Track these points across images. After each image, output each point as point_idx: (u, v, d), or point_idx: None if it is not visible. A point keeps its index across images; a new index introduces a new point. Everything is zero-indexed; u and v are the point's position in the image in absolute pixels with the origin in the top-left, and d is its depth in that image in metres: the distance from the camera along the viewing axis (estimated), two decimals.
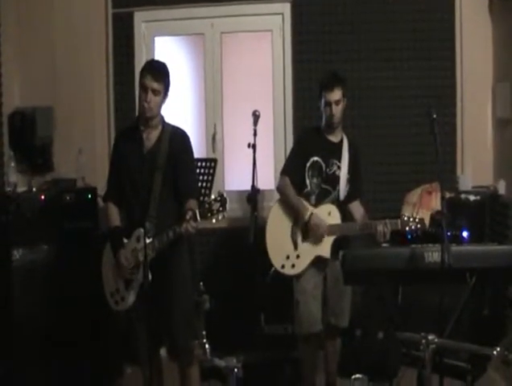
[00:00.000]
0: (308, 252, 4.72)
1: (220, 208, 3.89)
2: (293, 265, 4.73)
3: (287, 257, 4.73)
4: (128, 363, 5.32)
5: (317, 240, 4.69)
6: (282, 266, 4.75)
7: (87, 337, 5.04)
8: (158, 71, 4.22)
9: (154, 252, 4.05)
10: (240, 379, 3.46)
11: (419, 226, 4.52)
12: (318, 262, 4.73)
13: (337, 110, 4.72)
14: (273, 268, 4.81)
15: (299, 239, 4.75)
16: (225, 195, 3.92)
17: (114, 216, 4.40)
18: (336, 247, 4.66)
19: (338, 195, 4.81)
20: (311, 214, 4.69)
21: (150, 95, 4.13)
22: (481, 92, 5.86)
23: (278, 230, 4.81)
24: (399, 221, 4.53)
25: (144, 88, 4.14)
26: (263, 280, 4.86)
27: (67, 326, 4.92)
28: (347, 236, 4.80)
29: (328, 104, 4.70)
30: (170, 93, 4.27)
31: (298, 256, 4.73)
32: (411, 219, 4.52)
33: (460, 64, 5.91)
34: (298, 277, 4.75)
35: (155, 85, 4.14)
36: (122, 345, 4.58)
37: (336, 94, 4.69)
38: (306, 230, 4.72)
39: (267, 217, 4.90)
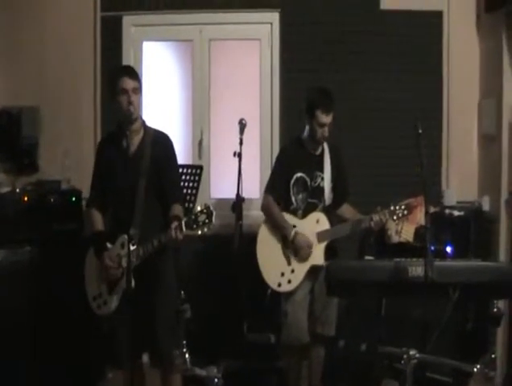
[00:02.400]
0: (302, 263, 4.74)
1: (206, 220, 3.90)
2: (289, 281, 4.74)
3: (282, 274, 4.74)
4: (110, 367, 5.29)
5: (304, 259, 4.71)
6: (279, 285, 4.75)
7: (69, 340, 5.01)
8: (132, 71, 4.33)
9: (138, 259, 4.05)
10: None
11: (405, 212, 4.62)
12: (311, 271, 4.74)
13: (327, 132, 4.77)
14: (269, 290, 4.82)
15: (291, 253, 4.75)
16: (211, 207, 3.92)
17: (98, 222, 4.40)
18: (327, 252, 4.72)
19: (324, 204, 4.83)
20: (295, 234, 4.71)
21: (132, 95, 4.17)
22: (468, 108, 5.90)
23: (268, 250, 4.81)
24: (387, 211, 4.62)
25: (125, 92, 4.17)
26: (262, 304, 4.86)
27: (49, 329, 4.89)
28: (335, 248, 4.86)
29: (322, 125, 4.73)
30: (144, 91, 4.40)
31: (293, 271, 4.74)
32: (397, 208, 4.62)
33: (446, 79, 5.93)
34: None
35: (134, 84, 4.21)
36: (104, 349, 4.55)
37: (330, 117, 4.74)
38: (295, 246, 4.74)
39: (256, 227, 4.91)
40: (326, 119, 4.71)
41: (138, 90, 4.22)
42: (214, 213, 3.92)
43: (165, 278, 4.29)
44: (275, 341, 5.04)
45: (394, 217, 4.65)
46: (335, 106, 4.76)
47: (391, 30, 5.98)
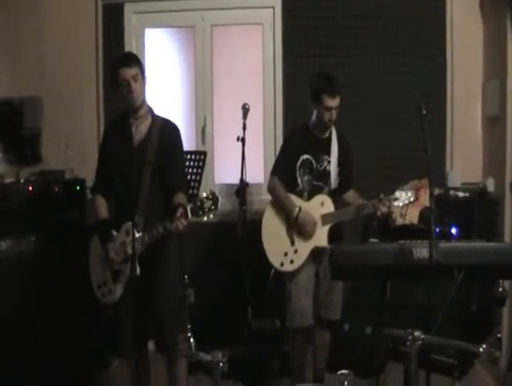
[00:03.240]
0: (305, 244, 4.75)
1: (212, 207, 3.88)
2: (292, 261, 4.75)
3: (285, 254, 4.76)
4: (115, 356, 5.29)
5: (308, 236, 4.72)
6: (281, 264, 4.77)
7: (73, 329, 5.00)
8: (128, 59, 4.26)
9: (143, 246, 4.04)
10: (225, 374, 3.45)
11: (412, 199, 4.58)
12: (315, 253, 4.75)
13: (335, 115, 4.75)
14: (272, 271, 4.85)
15: (295, 234, 4.77)
16: (216, 194, 3.91)
17: (103, 209, 4.39)
18: (332, 236, 4.72)
19: (330, 188, 4.83)
20: (299, 210, 4.71)
21: (132, 84, 4.15)
22: (471, 90, 5.87)
23: (273, 229, 4.84)
24: (391, 197, 4.58)
25: (125, 81, 4.14)
26: (265, 286, 4.88)
27: (53, 319, 4.88)
28: (341, 230, 4.87)
29: (329, 109, 4.71)
30: (148, 76, 4.30)
31: (296, 251, 4.76)
32: (404, 194, 4.58)
33: (450, 62, 5.91)
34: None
35: (132, 71, 4.15)
36: (109, 337, 4.56)
37: (337, 100, 4.71)
38: (299, 226, 4.74)
39: (260, 213, 4.92)
40: (333, 103, 4.69)
41: (138, 76, 4.17)
42: (220, 199, 3.91)
43: (168, 264, 4.29)
44: (280, 326, 5.04)
45: (400, 204, 4.63)
46: (341, 89, 4.73)
47: (395, 15, 5.95)
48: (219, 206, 3.91)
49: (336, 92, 4.69)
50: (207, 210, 3.89)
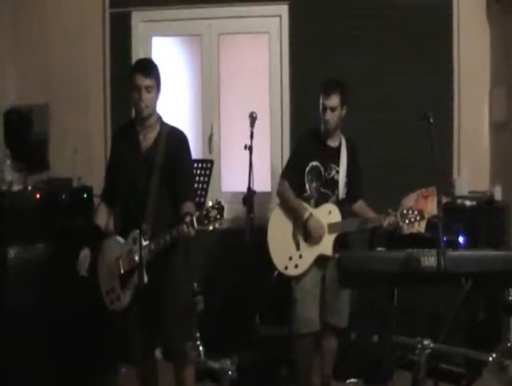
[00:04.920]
0: (311, 251, 4.76)
1: (218, 216, 3.88)
2: (296, 265, 4.77)
3: (290, 258, 4.78)
4: (123, 362, 5.30)
5: (316, 242, 4.72)
6: (286, 267, 4.79)
7: (82, 336, 5.00)
8: (147, 68, 4.21)
9: (150, 254, 4.03)
10: (234, 381, 3.45)
11: (418, 218, 4.60)
12: (320, 261, 4.76)
13: (332, 116, 4.74)
14: (276, 272, 4.85)
15: (301, 239, 4.79)
16: (222, 203, 3.90)
17: (101, 217, 4.41)
18: (338, 244, 4.72)
19: (337, 198, 4.84)
20: (310, 215, 4.71)
21: (144, 93, 4.11)
22: (478, 96, 5.87)
23: (279, 232, 4.85)
24: (398, 213, 4.60)
25: (137, 88, 4.11)
26: (267, 284, 4.87)
27: (61, 325, 4.89)
28: (347, 239, 4.87)
29: (324, 109, 4.73)
30: (162, 88, 4.26)
31: (300, 256, 4.77)
32: (410, 212, 4.60)
33: (457, 68, 5.91)
34: (298, 276, 4.78)
35: (147, 82, 4.12)
36: (117, 344, 4.56)
37: (333, 100, 4.71)
38: (306, 230, 4.74)
39: (267, 220, 4.94)
40: (326, 102, 4.71)
41: (151, 88, 4.13)
42: (225, 208, 3.91)
43: (176, 272, 4.27)
44: (288, 332, 5.04)
45: (406, 221, 4.64)
46: (341, 92, 4.73)
47: (401, 21, 5.95)
48: (224, 215, 3.90)
49: (331, 92, 4.71)
50: (212, 219, 3.87)
